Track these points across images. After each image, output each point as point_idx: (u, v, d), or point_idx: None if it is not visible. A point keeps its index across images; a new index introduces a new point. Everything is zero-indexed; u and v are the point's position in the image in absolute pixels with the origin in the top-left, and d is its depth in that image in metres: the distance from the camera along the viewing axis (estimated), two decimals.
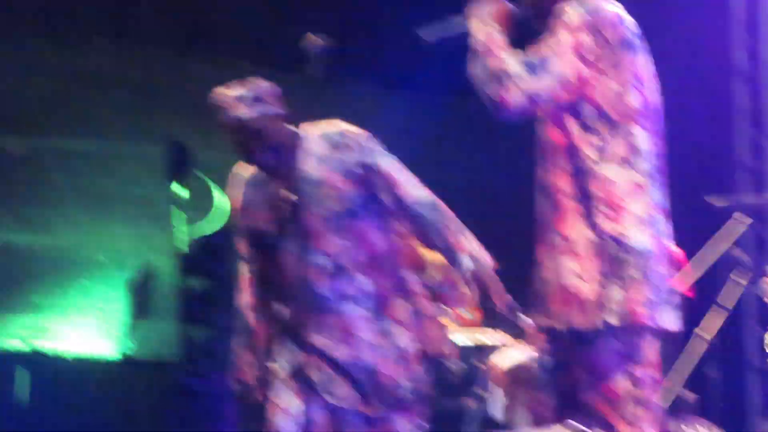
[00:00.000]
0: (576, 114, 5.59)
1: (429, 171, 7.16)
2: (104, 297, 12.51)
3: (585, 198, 5.65)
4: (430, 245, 6.95)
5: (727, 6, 13.39)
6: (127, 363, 12.48)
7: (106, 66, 12.73)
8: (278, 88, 7.15)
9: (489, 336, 10.48)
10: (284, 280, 7.22)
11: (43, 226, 11.49)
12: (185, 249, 11.34)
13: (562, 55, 5.49)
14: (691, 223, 10.12)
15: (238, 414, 10.48)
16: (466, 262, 6.70)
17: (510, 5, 5.89)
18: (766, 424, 11.71)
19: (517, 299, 7.44)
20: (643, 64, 5.68)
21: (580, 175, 5.62)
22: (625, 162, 5.58)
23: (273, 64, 8.73)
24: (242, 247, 7.45)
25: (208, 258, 11.18)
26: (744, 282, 9.74)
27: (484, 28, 5.72)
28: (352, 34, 9.66)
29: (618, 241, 5.51)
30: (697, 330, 9.49)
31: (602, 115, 5.57)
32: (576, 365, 5.68)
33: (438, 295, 9.68)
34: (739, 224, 10.03)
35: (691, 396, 9.71)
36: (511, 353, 10.00)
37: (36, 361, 12.00)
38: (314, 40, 7.53)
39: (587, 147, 5.59)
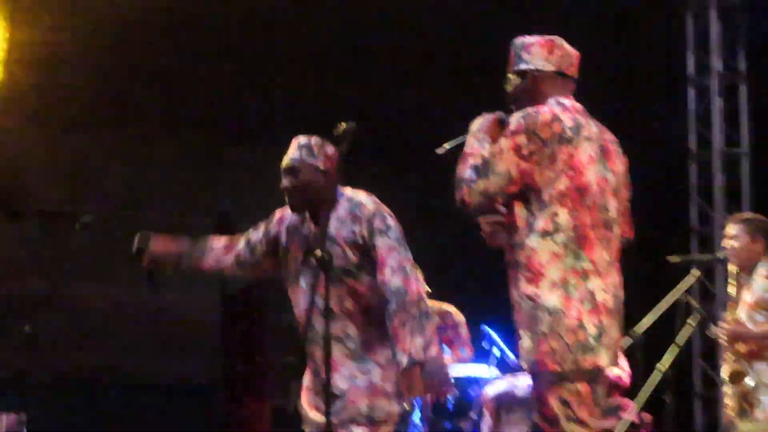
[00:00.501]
0: (522, 199, 6.16)
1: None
2: None
3: (516, 265, 6.21)
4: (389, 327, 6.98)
5: (684, 97, 13.97)
6: None
7: None
8: (335, 153, 7.10)
9: (482, 370, 10.81)
10: (294, 310, 7.36)
11: None
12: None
13: (502, 156, 6.07)
14: (655, 278, 10.92)
15: None
16: (400, 358, 6.78)
17: (502, 115, 6.44)
18: None
19: None
20: (579, 152, 6.13)
21: (516, 246, 6.19)
22: (546, 234, 6.09)
23: None
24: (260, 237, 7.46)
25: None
26: (694, 324, 10.21)
27: (471, 141, 6.32)
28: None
29: (533, 301, 6.08)
30: (657, 364, 10.00)
31: (538, 198, 6.09)
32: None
33: (440, 336, 9.63)
34: (692, 277, 9.96)
35: (648, 417, 10.30)
36: (498, 383, 10.45)
37: None
38: (345, 126, 8.03)
39: (523, 223, 6.17)
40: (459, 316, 11.47)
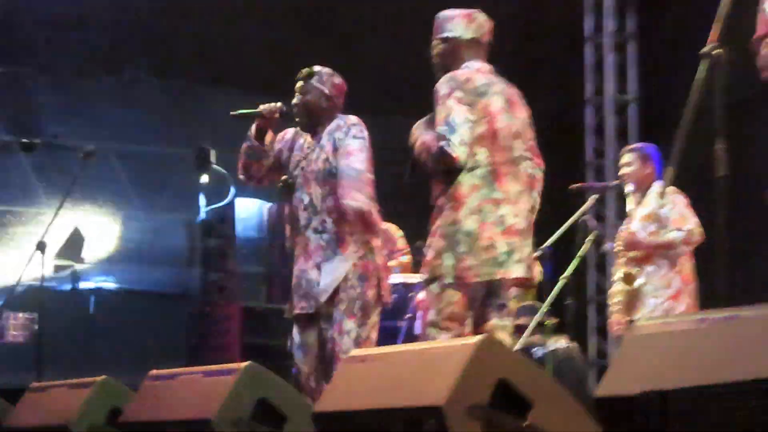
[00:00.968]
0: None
1: None
2: None
3: (444, 195, 6.53)
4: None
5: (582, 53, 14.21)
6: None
7: None
8: (344, 84, 7.30)
9: (417, 277, 10.73)
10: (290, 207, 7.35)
11: None
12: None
13: (453, 110, 6.37)
14: (560, 203, 10.87)
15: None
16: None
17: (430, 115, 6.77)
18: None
19: None
20: (492, 103, 6.52)
21: (447, 180, 6.53)
22: (470, 171, 6.43)
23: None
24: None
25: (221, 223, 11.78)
26: (592, 240, 10.24)
27: (421, 138, 6.64)
28: None
29: (455, 225, 6.41)
30: (561, 276, 10.03)
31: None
32: None
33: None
34: (589, 202, 10.13)
35: (554, 319, 10.32)
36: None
37: None
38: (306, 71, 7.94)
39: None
40: (397, 231, 11.34)
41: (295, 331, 7.23)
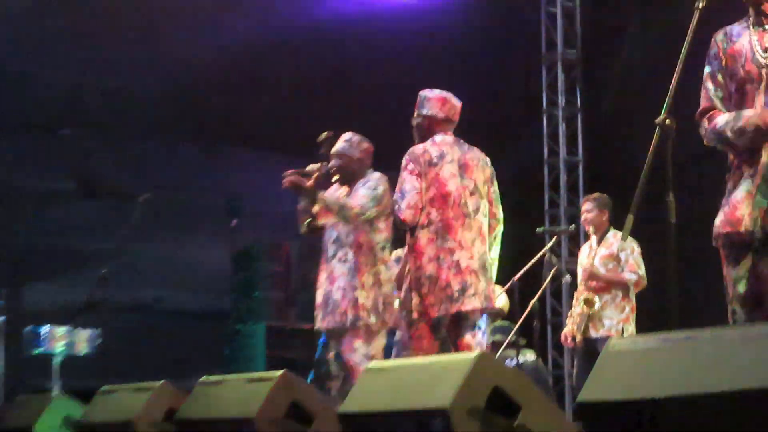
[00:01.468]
0: None
1: None
2: None
3: (409, 248, 6.94)
4: None
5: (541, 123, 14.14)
6: None
7: None
8: (371, 147, 7.47)
9: None
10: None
11: None
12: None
13: (405, 180, 6.83)
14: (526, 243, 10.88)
15: None
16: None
17: None
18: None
19: None
20: (442, 171, 6.87)
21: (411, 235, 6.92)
22: (423, 227, 6.82)
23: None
24: None
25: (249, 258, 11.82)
26: (553, 273, 10.35)
27: None
28: None
29: (419, 270, 6.79)
30: (532, 301, 10.09)
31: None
32: None
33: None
34: (551, 242, 10.49)
35: (521, 340, 10.31)
36: None
37: None
38: (325, 134, 7.94)
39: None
40: None
41: (331, 343, 7.30)
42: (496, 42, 13.54)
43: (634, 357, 3.36)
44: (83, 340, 10.35)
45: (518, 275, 9.99)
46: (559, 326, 12.48)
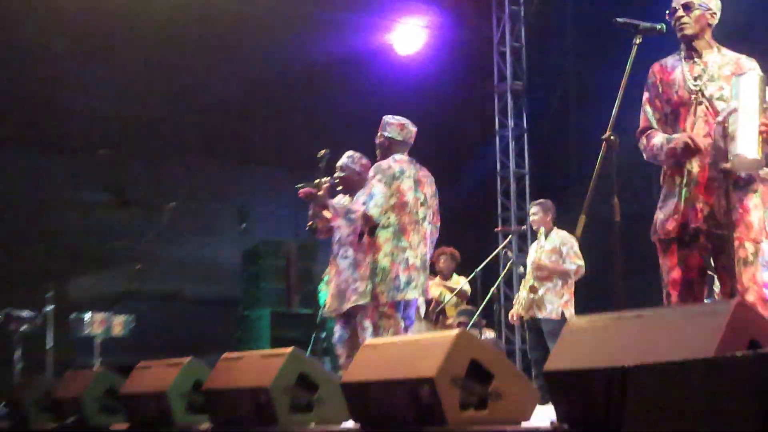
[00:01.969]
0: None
1: None
2: None
3: (370, 243, 6.81)
4: None
5: (494, 142, 14.06)
6: None
7: None
8: (368, 162, 7.27)
9: None
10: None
11: None
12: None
13: (374, 187, 6.79)
14: (486, 241, 10.83)
15: None
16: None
17: None
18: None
19: None
20: (402, 184, 6.83)
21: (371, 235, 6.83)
22: (384, 228, 6.80)
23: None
24: None
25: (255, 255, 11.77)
26: (509, 266, 10.44)
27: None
28: None
29: (375, 263, 6.73)
30: (492, 289, 10.14)
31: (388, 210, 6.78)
32: None
33: None
34: (506, 240, 10.62)
35: (483, 320, 10.33)
36: None
37: None
38: (323, 152, 7.89)
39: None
40: None
41: (336, 326, 7.14)
42: (457, 76, 13.59)
43: (591, 332, 3.34)
44: (119, 324, 10.31)
45: (480, 267, 10.02)
46: (509, 308, 12.52)
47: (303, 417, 4.71)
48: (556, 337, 3.71)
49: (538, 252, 9.29)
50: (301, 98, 12.02)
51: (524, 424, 3.78)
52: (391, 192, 6.84)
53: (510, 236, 11.33)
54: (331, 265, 7.26)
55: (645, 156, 5.34)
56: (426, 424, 3.77)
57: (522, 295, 9.31)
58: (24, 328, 9.92)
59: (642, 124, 5.38)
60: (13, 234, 10.82)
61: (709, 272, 5.33)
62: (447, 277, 10.23)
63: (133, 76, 11.30)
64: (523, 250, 12.42)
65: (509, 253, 10.96)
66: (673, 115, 5.25)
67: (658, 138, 5.22)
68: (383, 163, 6.93)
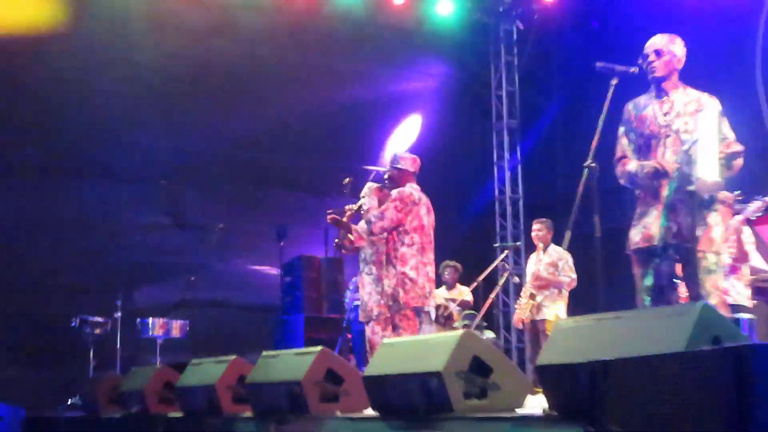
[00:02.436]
0: (397, 229, 6.64)
1: None
2: None
3: (395, 258, 6.65)
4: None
5: (492, 173, 13.87)
6: None
7: None
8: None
9: None
10: None
11: None
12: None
13: (389, 210, 6.61)
14: (484, 255, 10.79)
15: None
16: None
17: (379, 184, 7.00)
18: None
19: None
20: (420, 209, 6.69)
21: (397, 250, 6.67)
22: (410, 247, 6.63)
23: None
24: None
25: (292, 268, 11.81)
26: (506, 276, 10.36)
27: (367, 200, 6.82)
28: None
29: (404, 275, 6.58)
30: (490, 294, 10.06)
31: (405, 230, 6.65)
32: None
33: None
34: (503, 254, 10.57)
35: (483, 323, 10.26)
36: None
37: None
38: (348, 179, 7.89)
39: (397, 242, 6.66)
40: None
41: (368, 330, 6.95)
42: (462, 115, 13.63)
43: (577, 331, 3.29)
44: (177, 328, 10.32)
45: (481, 277, 9.98)
46: (507, 314, 12.48)
47: (331, 406, 4.67)
48: None
49: (537, 265, 9.15)
50: (329, 138, 11.97)
51: (519, 411, 3.72)
52: (413, 216, 6.73)
53: (506, 251, 11.20)
54: (360, 281, 7.14)
55: (621, 181, 5.33)
56: (435, 412, 3.73)
57: (522, 302, 9.16)
58: (97, 331, 9.90)
59: (618, 153, 5.37)
60: (88, 251, 10.79)
61: (677, 280, 5.29)
62: (451, 286, 10.10)
63: (189, 117, 11.34)
64: (517, 263, 12.35)
65: (506, 266, 10.91)
66: (645, 145, 5.25)
67: (632, 165, 5.24)
68: (405, 191, 6.79)
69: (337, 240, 7.25)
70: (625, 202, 5.39)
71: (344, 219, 7.02)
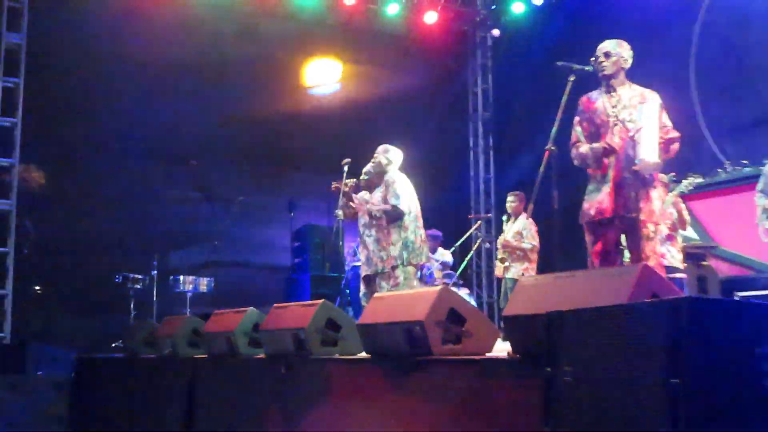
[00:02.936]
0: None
1: None
2: None
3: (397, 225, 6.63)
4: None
5: (468, 159, 13.95)
6: None
7: None
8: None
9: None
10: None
11: None
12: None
13: (402, 189, 6.62)
14: (462, 225, 10.76)
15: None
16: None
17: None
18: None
19: None
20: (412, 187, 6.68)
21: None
22: (409, 215, 6.63)
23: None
24: None
25: (300, 235, 11.87)
26: (479, 242, 10.28)
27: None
28: None
29: (406, 240, 6.58)
30: (467, 258, 10.02)
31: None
32: None
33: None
34: (477, 225, 10.51)
35: (460, 281, 10.26)
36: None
37: None
38: (346, 160, 7.78)
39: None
40: None
41: (362, 286, 6.92)
42: (443, 109, 13.46)
43: (537, 288, 3.25)
44: (203, 284, 10.28)
45: (458, 243, 9.95)
46: (480, 274, 12.46)
47: (330, 349, 4.61)
48: None
49: (507, 233, 9.04)
50: (332, 124, 11.86)
51: (488, 355, 3.68)
52: (410, 191, 6.73)
53: (479, 222, 11.15)
54: (360, 242, 7.06)
55: (576, 162, 5.28)
56: (417, 355, 3.69)
57: (497, 263, 9.13)
58: (137, 286, 9.88)
59: (573, 139, 5.32)
60: (130, 220, 10.73)
61: (621, 246, 5.27)
62: (434, 250, 10.08)
63: (215, 106, 11.23)
64: (488, 232, 12.31)
65: (479, 234, 10.86)
66: (596, 133, 5.21)
67: (584, 147, 5.21)
68: (398, 174, 6.81)
69: (338, 210, 7.20)
70: (579, 180, 5.33)
71: (346, 189, 6.99)
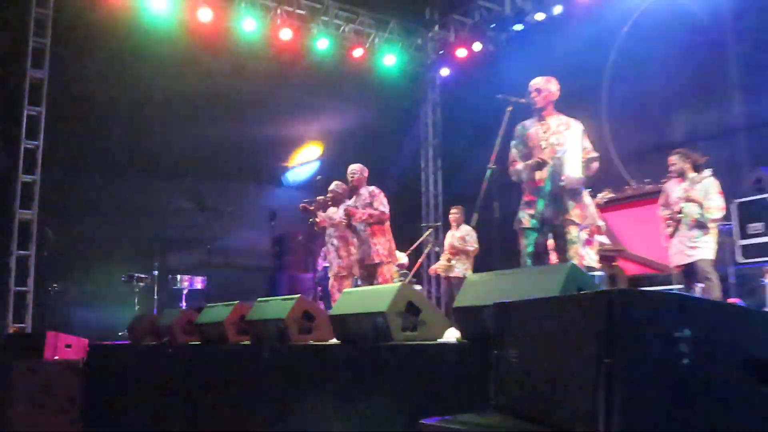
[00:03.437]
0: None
1: None
2: None
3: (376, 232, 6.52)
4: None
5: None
6: None
7: None
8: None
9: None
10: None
11: None
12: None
13: (383, 199, 6.63)
14: (413, 232, 10.68)
15: None
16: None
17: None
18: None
19: None
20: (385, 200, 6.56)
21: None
22: (382, 224, 6.61)
23: None
24: None
25: (279, 240, 11.67)
26: (430, 247, 10.23)
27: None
28: None
29: (386, 243, 6.56)
30: (420, 260, 9.93)
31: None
32: None
33: None
34: (429, 232, 10.45)
35: (414, 279, 10.14)
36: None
37: None
38: (319, 177, 7.71)
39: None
40: None
41: (333, 281, 6.86)
42: (400, 136, 13.44)
43: (482, 283, 3.19)
44: (198, 282, 10.12)
45: (412, 248, 9.89)
46: (428, 274, 12.37)
47: (306, 336, 4.53)
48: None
49: (451, 238, 9.01)
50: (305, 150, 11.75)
51: (439, 340, 3.62)
52: (386, 203, 6.70)
53: (430, 230, 11.09)
54: (323, 249, 7.02)
55: (513, 178, 5.26)
56: (380, 340, 3.62)
57: (441, 263, 9.07)
58: (140, 284, 9.69)
59: (511, 159, 5.31)
60: (135, 226, 10.53)
61: (549, 249, 5.25)
62: None
63: (209, 131, 11.11)
64: (437, 238, 12.26)
65: (429, 239, 10.81)
66: (529, 154, 5.21)
67: (520, 165, 5.19)
68: (376, 189, 6.78)
69: (310, 220, 7.14)
70: (515, 193, 5.31)
71: (311, 208, 6.93)
